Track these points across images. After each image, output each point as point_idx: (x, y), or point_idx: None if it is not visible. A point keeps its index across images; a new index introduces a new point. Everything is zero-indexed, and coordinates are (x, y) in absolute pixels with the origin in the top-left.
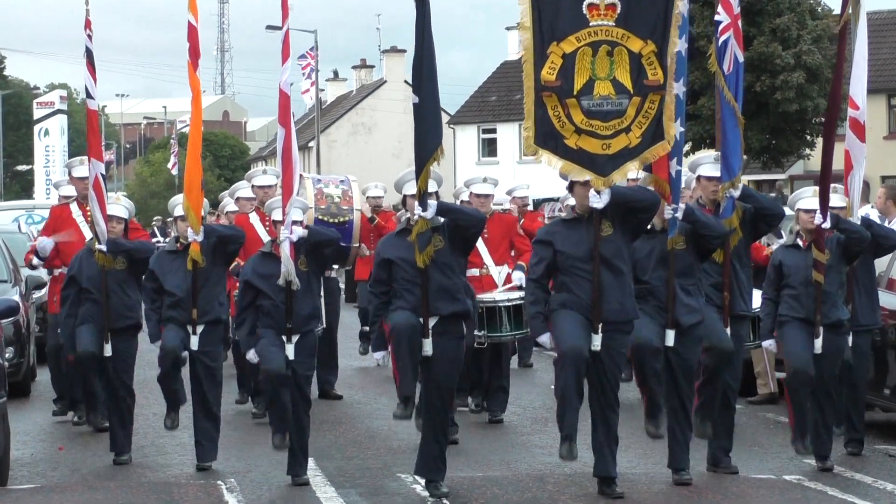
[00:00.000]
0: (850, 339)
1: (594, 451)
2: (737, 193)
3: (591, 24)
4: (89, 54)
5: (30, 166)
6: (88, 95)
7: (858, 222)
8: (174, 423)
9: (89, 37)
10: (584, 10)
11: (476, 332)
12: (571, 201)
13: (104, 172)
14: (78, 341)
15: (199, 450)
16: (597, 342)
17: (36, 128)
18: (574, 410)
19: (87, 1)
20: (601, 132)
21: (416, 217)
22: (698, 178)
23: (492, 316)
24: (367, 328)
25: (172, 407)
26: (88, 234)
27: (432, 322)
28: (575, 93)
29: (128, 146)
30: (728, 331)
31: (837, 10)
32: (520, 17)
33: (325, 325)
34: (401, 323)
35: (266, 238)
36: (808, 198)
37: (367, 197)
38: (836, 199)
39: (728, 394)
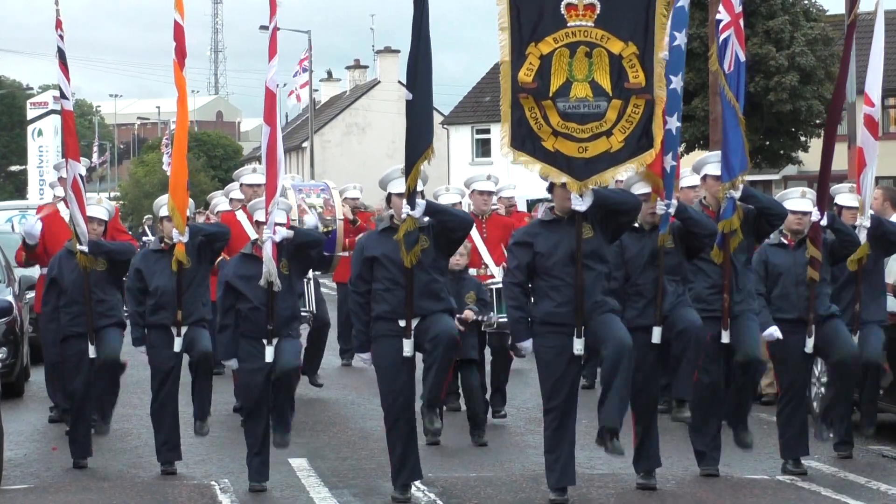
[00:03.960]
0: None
1: (600, 406)
2: (737, 194)
3: (568, 24)
4: (61, 54)
5: (23, 167)
6: (63, 95)
7: (869, 220)
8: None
9: (61, 37)
10: (563, 11)
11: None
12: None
13: (83, 173)
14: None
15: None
16: (579, 346)
17: (29, 128)
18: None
19: (57, 1)
20: (577, 135)
21: (403, 216)
22: (704, 177)
23: (497, 297)
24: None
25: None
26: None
27: (415, 322)
28: (550, 94)
29: (121, 146)
30: (727, 333)
31: (830, 12)
32: (498, 17)
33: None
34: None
35: (254, 235)
36: (795, 199)
37: (345, 198)
38: (849, 199)
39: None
